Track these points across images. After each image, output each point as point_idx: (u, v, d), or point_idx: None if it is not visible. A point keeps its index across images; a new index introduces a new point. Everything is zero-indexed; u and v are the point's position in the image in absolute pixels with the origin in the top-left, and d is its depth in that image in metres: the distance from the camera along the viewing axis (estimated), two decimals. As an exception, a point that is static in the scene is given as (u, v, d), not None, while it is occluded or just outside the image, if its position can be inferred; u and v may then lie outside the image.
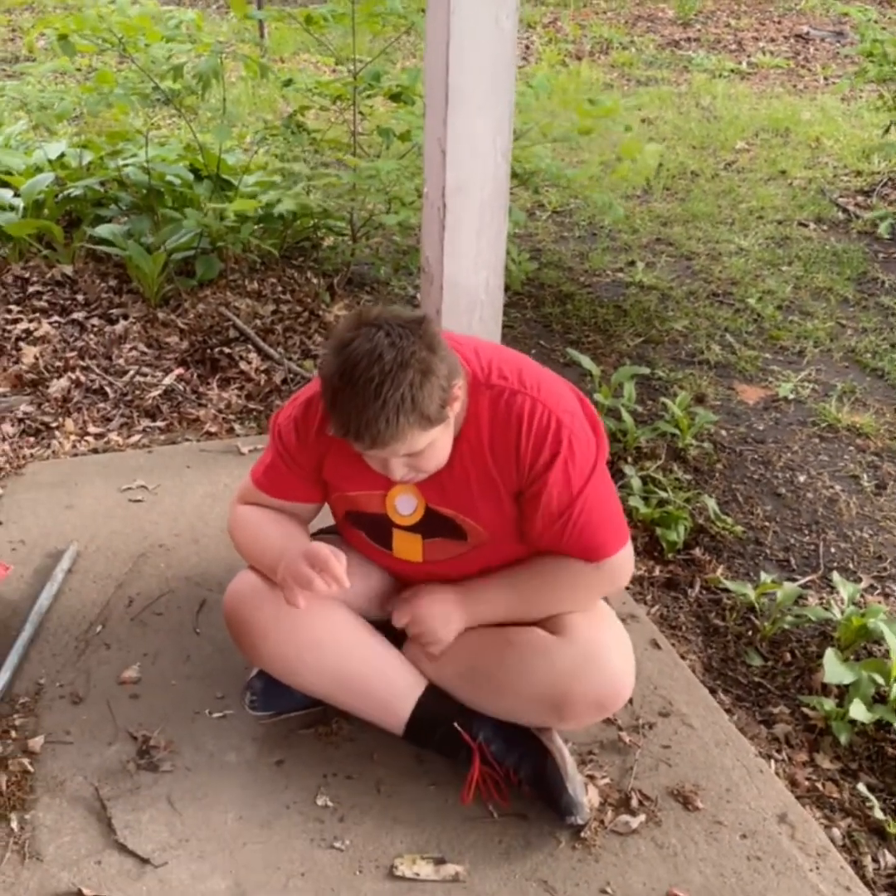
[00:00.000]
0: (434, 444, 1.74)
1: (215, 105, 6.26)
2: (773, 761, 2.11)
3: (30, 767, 1.98)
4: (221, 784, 1.96)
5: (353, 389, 1.62)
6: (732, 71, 8.60)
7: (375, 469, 1.81)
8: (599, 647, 1.88)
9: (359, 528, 2.04)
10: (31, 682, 2.19)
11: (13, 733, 2.05)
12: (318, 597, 1.81)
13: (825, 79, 8.41)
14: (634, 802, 1.94)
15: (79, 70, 6.81)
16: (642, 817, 1.91)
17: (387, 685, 1.98)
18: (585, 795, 1.89)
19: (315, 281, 4.27)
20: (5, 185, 4.47)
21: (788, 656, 2.44)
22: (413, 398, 1.62)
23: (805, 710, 2.27)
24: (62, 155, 4.70)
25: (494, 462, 1.83)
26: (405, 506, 1.93)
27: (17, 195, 4.35)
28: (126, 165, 4.45)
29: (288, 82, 4.21)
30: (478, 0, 2.46)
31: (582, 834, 1.87)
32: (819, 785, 2.08)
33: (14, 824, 1.86)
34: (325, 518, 2.14)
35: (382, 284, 4.36)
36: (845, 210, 5.45)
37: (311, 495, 2.04)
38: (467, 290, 2.81)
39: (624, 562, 1.93)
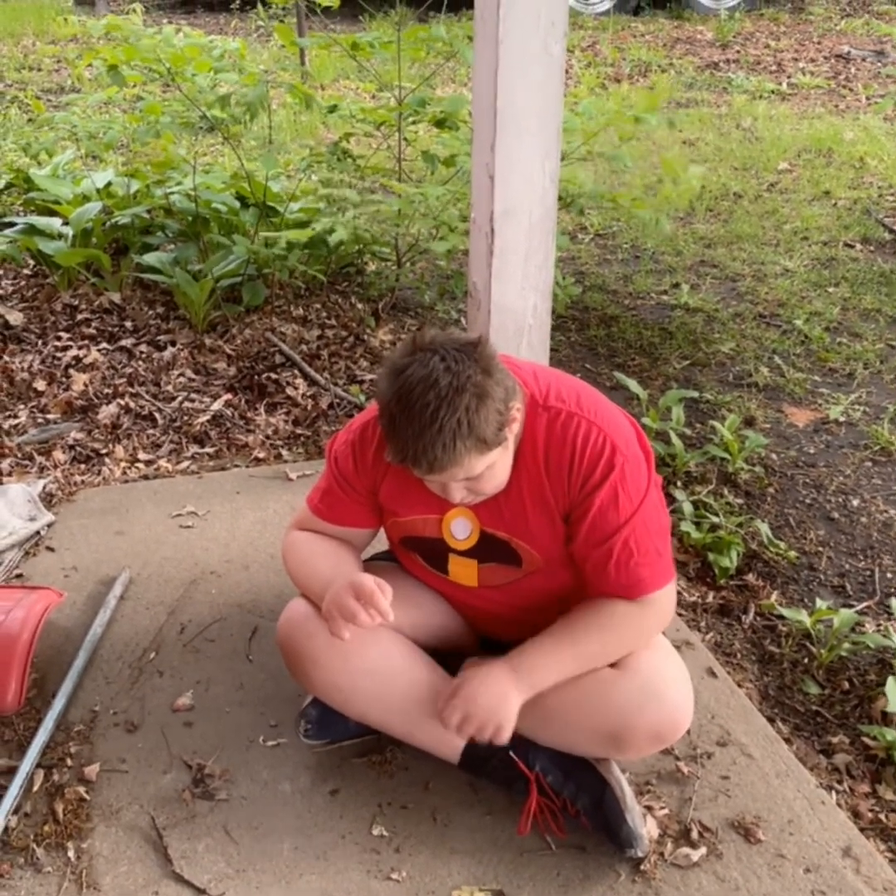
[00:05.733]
0: (493, 467, 1.74)
1: (258, 133, 6.33)
2: (834, 792, 2.07)
3: (86, 796, 1.98)
4: (277, 813, 1.95)
5: (409, 415, 1.62)
6: (773, 92, 8.57)
7: (435, 492, 1.81)
8: (658, 679, 1.85)
9: (414, 553, 2.03)
10: (85, 709, 2.20)
11: (69, 761, 2.06)
12: (363, 629, 1.80)
13: (867, 98, 8.35)
14: (694, 834, 1.91)
15: (124, 99, 6.91)
16: (703, 850, 1.87)
17: (441, 713, 1.96)
18: (645, 827, 1.86)
19: (360, 306, 4.28)
20: (54, 214, 4.53)
21: (846, 684, 2.40)
22: (470, 422, 1.62)
23: (865, 739, 2.22)
24: (109, 184, 4.76)
25: (549, 483, 1.83)
26: (460, 530, 1.93)
27: (65, 224, 4.40)
28: (172, 193, 4.50)
29: (332, 109, 4.23)
30: (526, 27, 2.47)
31: (641, 867, 1.84)
32: (882, 817, 2.03)
33: (71, 854, 1.86)
34: (380, 543, 2.14)
35: (427, 309, 4.37)
36: (892, 230, 5.39)
37: (366, 521, 2.04)
38: (515, 315, 2.81)
39: (666, 600, 1.89)
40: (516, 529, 1.89)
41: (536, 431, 1.82)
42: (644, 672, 1.84)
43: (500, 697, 1.81)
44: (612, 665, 1.85)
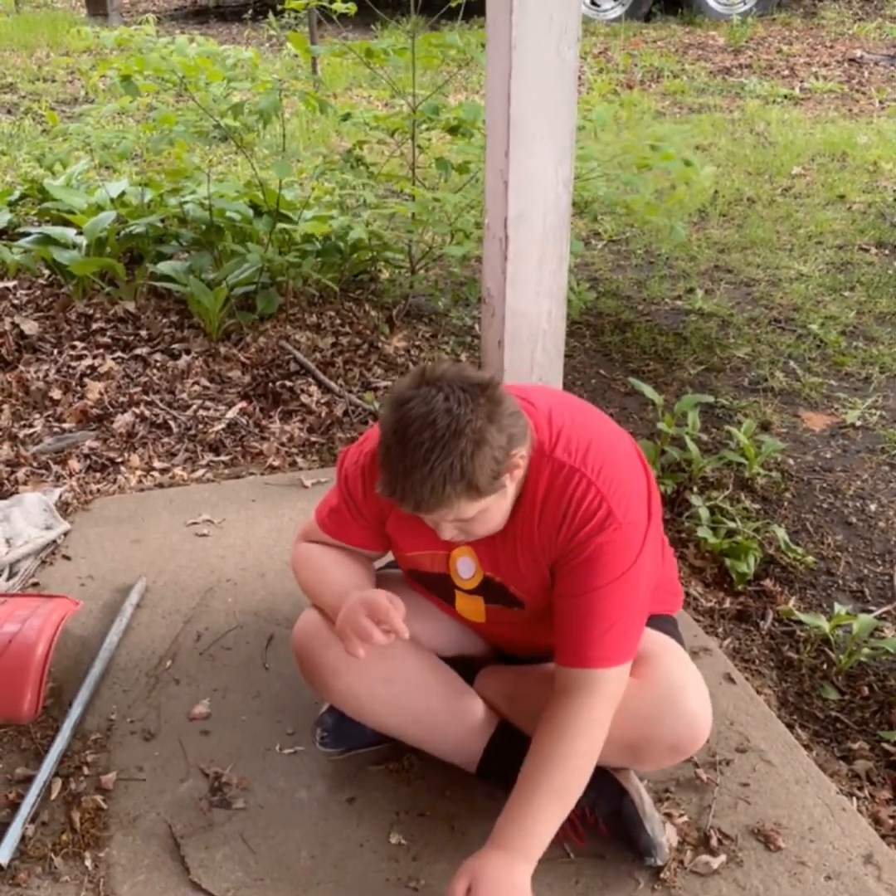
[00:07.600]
0: (487, 511, 1.69)
1: (271, 141, 6.35)
2: (855, 799, 2.06)
3: (103, 804, 1.97)
4: (294, 822, 1.95)
5: (402, 452, 1.59)
6: (785, 96, 8.54)
7: (429, 526, 1.79)
8: (677, 690, 1.82)
9: (422, 585, 2.02)
10: (102, 718, 2.20)
11: (86, 770, 2.05)
12: (378, 647, 1.78)
13: (880, 102, 8.33)
14: (714, 842, 1.89)
15: (138, 109, 6.93)
16: (723, 857, 1.86)
17: (459, 722, 1.95)
18: (664, 835, 1.85)
19: (373, 313, 4.28)
20: (69, 223, 4.55)
21: (866, 690, 2.38)
22: (462, 468, 1.57)
23: (885, 745, 2.21)
24: (123, 193, 4.78)
25: (539, 535, 1.79)
26: (465, 569, 1.91)
27: (80, 233, 4.42)
28: (186, 202, 4.51)
29: (346, 116, 4.24)
30: (539, 33, 2.47)
31: (661, 875, 1.83)
32: (904, 824, 2.02)
33: (88, 863, 1.86)
34: (394, 552, 2.13)
35: (441, 315, 4.36)
36: (906, 233, 5.37)
37: (373, 544, 2.02)
38: (529, 321, 2.80)
39: (615, 681, 1.75)
40: (509, 575, 1.86)
41: (539, 481, 1.76)
42: (663, 684, 1.82)
43: (509, 886, 1.65)
44: (631, 675, 1.82)
